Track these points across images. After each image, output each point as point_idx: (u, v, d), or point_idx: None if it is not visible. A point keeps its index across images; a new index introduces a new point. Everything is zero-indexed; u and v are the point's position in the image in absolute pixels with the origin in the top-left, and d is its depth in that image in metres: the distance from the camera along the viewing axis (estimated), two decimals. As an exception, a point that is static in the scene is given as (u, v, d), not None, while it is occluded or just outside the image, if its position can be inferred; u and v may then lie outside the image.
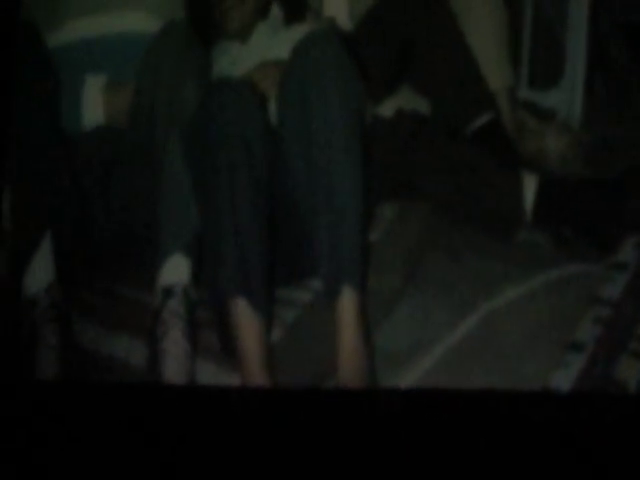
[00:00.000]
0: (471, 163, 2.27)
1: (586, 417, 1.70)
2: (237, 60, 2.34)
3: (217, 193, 1.87)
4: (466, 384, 1.90)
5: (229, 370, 1.90)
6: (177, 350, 1.85)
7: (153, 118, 2.00)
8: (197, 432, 1.71)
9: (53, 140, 2.04)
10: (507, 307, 2.10)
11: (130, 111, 2.08)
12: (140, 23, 2.26)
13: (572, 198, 2.22)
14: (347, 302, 1.86)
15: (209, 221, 1.90)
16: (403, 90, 2.49)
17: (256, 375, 1.83)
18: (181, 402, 1.77)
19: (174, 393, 1.82)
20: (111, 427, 1.72)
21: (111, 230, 2.10)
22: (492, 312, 2.08)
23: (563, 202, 2.22)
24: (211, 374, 1.92)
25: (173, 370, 1.84)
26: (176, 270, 1.92)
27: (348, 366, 1.83)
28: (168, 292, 1.90)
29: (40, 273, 1.95)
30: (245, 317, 1.84)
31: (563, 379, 1.89)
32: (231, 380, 1.89)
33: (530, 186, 2.23)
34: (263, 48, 2.37)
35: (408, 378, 1.94)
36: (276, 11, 2.48)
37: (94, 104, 2.15)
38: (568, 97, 2.88)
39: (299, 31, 2.32)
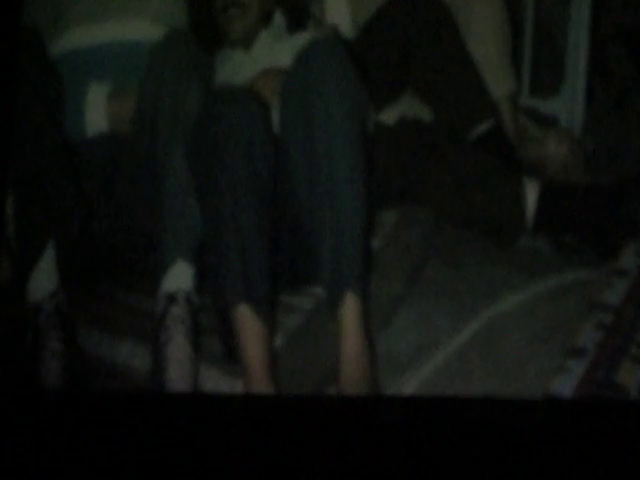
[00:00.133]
0: (473, 170, 2.27)
1: (587, 423, 1.70)
2: (240, 68, 2.35)
3: (220, 200, 1.88)
4: (468, 389, 1.91)
5: (232, 376, 1.90)
6: (180, 356, 1.86)
7: (156, 125, 2.00)
8: (200, 439, 1.71)
9: (56, 147, 2.04)
10: (508, 313, 2.10)
11: (133, 118, 2.09)
12: (144, 31, 2.27)
13: (573, 205, 2.22)
14: (349, 309, 1.87)
15: (212, 228, 1.91)
16: (405, 97, 2.50)
17: (259, 381, 1.83)
18: (184, 409, 1.77)
19: (177, 400, 1.83)
20: (114, 434, 1.72)
21: (114, 237, 2.10)
22: (494, 318, 2.09)
23: (564, 209, 2.22)
24: (214, 380, 1.92)
25: (176, 376, 1.84)
26: (179, 277, 1.93)
27: (350, 372, 1.84)
28: (171, 298, 1.90)
29: (44, 280, 1.95)
30: (248, 323, 1.85)
31: (564, 385, 1.89)
32: (234, 386, 1.89)
33: (531, 193, 2.24)
34: (266, 56, 2.37)
35: (410, 384, 1.94)
36: (279, 19, 2.49)
37: (97, 111, 2.16)
38: (569, 104, 2.89)
39: (302, 39, 2.33)
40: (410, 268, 2.21)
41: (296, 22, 2.53)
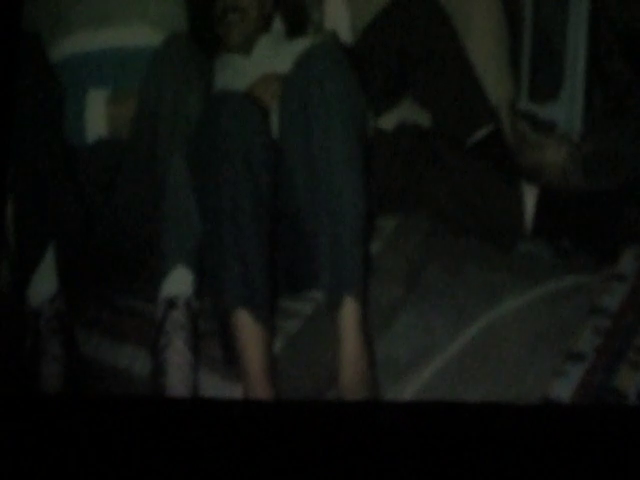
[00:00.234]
0: (472, 175, 2.28)
1: (586, 428, 1.71)
2: (239, 73, 2.35)
3: (219, 205, 1.88)
4: (467, 394, 1.91)
5: (232, 381, 1.90)
6: (180, 361, 1.86)
7: (156, 130, 2.00)
8: (199, 444, 1.71)
9: (56, 152, 2.04)
10: (507, 317, 2.10)
11: (133, 123, 2.09)
12: (143, 37, 2.27)
13: (572, 210, 2.23)
14: (348, 313, 1.87)
15: (212, 232, 1.91)
16: (404, 103, 2.50)
17: (259, 386, 1.83)
18: (184, 414, 1.78)
19: (177, 405, 1.83)
20: (113, 439, 1.72)
21: (114, 241, 2.10)
22: (492, 322, 2.09)
23: (563, 214, 2.23)
24: (214, 385, 1.92)
25: (176, 381, 1.85)
26: (179, 281, 1.93)
27: (350, 376, 1.84)
28: (171, 303, 1.90)
29: (44, 284, 1.95)
30: (248, 328, 1.85)
31: (563, 389, 1.90)
32: (234, 391, 1.89)
33: (530, 198, 2.24)
34: (265, 61, 2.38)
35: (409, 388, 1.94)
36: (278, 25, 2.49)
37: (97, 116, 2.16)
38: (568, 109, 2.89)
39: (301, 44, 2.33)
40: (409, 273, 2.22)
41: (295, 27, 2.54)
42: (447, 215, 2.29)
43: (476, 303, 2.13)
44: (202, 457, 1.71)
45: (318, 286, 1.96)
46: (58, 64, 2.20)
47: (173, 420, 1.76)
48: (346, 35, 2.55)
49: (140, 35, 2.28)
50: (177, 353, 1.86)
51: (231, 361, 1.90)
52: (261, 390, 1.83)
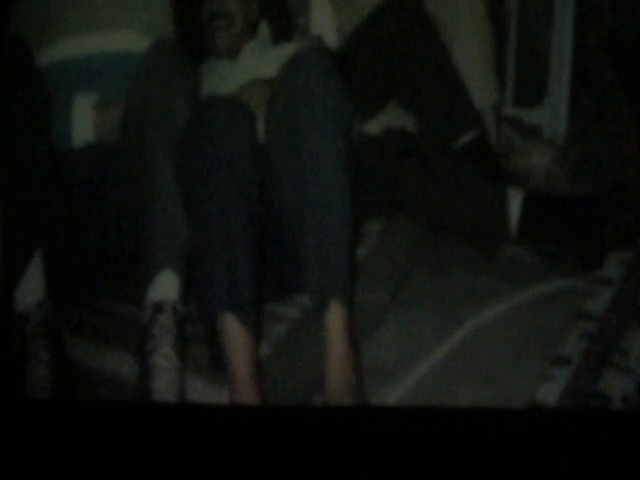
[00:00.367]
0: (457, 180, 2.28)
1: (572, 431, 1.71)
2: (226, 78, 2.35)
3: (206, 209, 1.88)
4: (453, 398, 1.91)
5: (218, 385, 1.90)
6: (167, 365, 1.85)
7: (143, 135, 1.99)
8: (186, 449, 1.71)
9: (43, 157, 2.04)
10: (493, 322, 2.11)
11: (120, 128, 2.09)
12: (130, 42, 2.27)
13: (557, 214, 2.23)
14: (335, 317, 1.87)
15: (199, 237, 1.91)
16: (390, 108, 2.51)
17: (245, 390, 1.83)
18: (170, 419, 1.77)
19: (164, 410, 1.83)
20: (101, 444, 1.72)
21: (101, 246, 2.10)
22: (478, 327, 2.10)
23: (548, 218, 2.24)
24: (200, 389, 1.92)
25: (163, 385, 1.84)
26: (166, 286, 1.92)
27: (336, 381, 1.83)
28: (158, 308, 1.90)
29: (31, 289, 1.95)
30: (234, 332, 1.85)
31: (549, 393, 1.90)
32: (220, 395, 1.89)
33: (515, 202, 2.25)
34: (252, 66, 2.38)
35: (395, 392, 1.94)
36: (264, 30, 2.50)
37: (84, 121, 2.16)
38: (553, 114, 2.91)
39: (287, 49, 2.34)
40: (395, 277, 2.22)
41: (281, 33, 2.54)
42: (433, 220, 2.30)
43: (462, 307, 2.14)
44: (189, 462, 1.71)
45: (305, 290, 1.95)
46: (46, 69, 2.20)
47: (159, 424, 1.76)
48: (332, 40, 2.56)
49: (127, 40, 2.28)
50: (164, 357, 1.86)
51: (218, 365, 1.89)
52: (247, 394, 1.83)
